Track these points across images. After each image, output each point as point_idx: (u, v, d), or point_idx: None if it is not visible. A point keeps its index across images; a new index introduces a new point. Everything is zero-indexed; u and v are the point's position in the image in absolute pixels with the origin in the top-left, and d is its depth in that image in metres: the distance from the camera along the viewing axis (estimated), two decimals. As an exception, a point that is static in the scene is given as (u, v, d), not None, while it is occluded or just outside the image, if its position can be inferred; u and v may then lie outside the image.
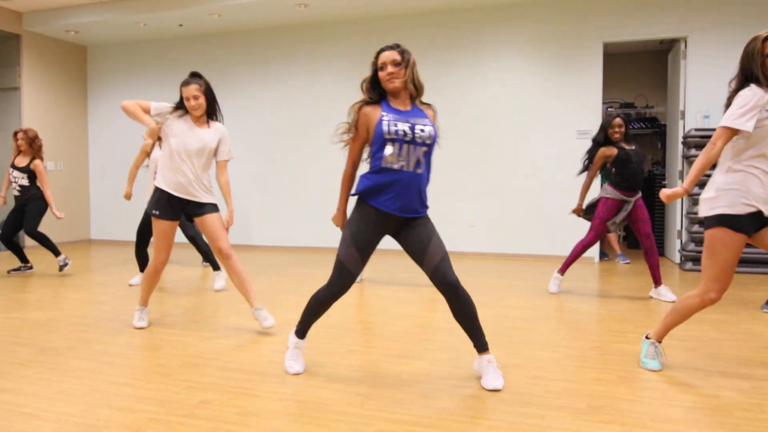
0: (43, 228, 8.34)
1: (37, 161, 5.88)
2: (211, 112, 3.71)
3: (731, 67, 6.40)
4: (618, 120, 4.67)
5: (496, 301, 4.64)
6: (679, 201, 6.70)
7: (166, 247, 3.68)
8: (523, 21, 7.11)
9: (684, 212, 6.59)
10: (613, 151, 4.66)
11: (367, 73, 2.73)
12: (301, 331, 2.94)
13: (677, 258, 6.68)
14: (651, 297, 4.74)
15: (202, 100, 3.57)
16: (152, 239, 3.87)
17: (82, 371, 2.95)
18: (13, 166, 5.91)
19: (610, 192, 4.66)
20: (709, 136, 6.17)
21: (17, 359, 3.14)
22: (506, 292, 4.97)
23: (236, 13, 7.50)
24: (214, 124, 3.73)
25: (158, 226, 3.64)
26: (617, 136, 4.66)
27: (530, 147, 7.14)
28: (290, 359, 2.94)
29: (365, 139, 2.74)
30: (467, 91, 7.31)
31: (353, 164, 2.81)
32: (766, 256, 5.92)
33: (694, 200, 6.22)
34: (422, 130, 2.62)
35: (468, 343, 3.38)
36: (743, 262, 6.03)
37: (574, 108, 6.93)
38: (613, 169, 4.72)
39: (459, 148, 7.40)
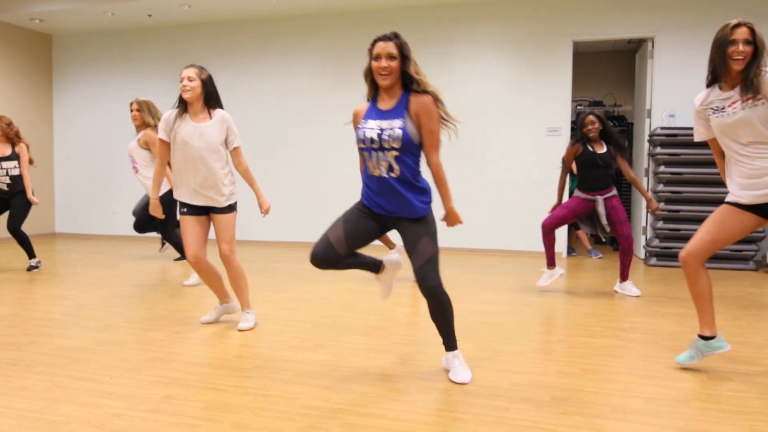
0: (6, 221, 8.14)
1: (22, 144, 5.74)
2: (211, 103, 3.54)
3: (697, 67, 6.54)
4: (590, 117, 4.69)
5: (465, 295, 4.67)
6: (643, 199, 6.81)
7: (195, 240, 3.57)
8: (494, 18, 7.16)
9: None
10: (579, 149, 4.72)
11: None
12: None
13: (642, 254, 6.82)
14: (616, 291, 4.83)
15: (196, 84, 3.44)
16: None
17: (43, 366, 2.89)
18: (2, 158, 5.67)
19: (577, 192, 4.77)
20: (674, 135, 6.31)
21: (-24, 355, 3.07)
22: (475, 287, 5.01)
23: (207, 4, 7.40)
24: (216, 113, 3.53)
25: (186, 222, 3.57)
26: (593, 134, 4.68)
27: (500, 144, 7.21)
28: None
29: None
30: (438, 87, 7.32)
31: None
32: (731, 253, 6.08)
33: (659, 197, 6.35)
34: (389, 136, 2.57)
35: (436, 338, 3.41)
36: (713, 258, 6.17)
37: (544, 105, 7.01)
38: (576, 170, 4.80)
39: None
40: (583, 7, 6.87)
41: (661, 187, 6.35)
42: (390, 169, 2.61)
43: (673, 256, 6.30)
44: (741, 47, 2.56)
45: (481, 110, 7.23)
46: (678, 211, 6.26)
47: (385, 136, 2.57)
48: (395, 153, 2.59)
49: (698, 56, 6.52)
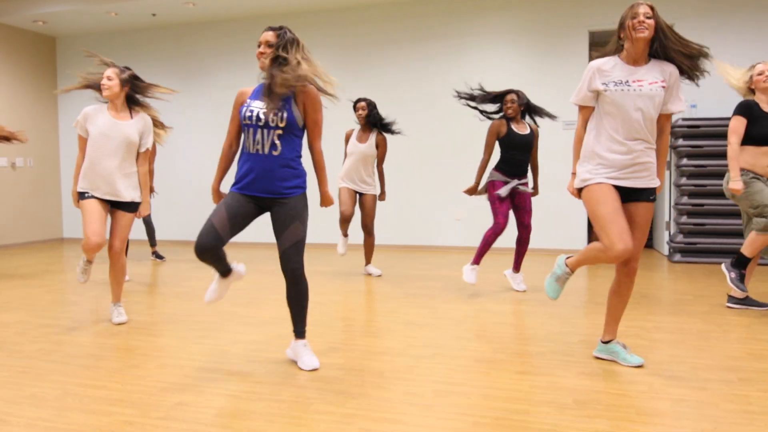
0: (13, 226, 8.26)
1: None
2: (133, 102, 3.89)
3: (720, 54, 6.46)
4: (511, 96, 4.66)
5: (482, 295, 4.66)
6: (667, 192, 6.77)
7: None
8: (507, 10, 7.13)
9: (672, 203, 6.66)
10: (504, 129, 4.65)
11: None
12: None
13: (666, 250, 6.76)
14: (505, 275, 5.02)
15: (114, 83, 3.76)
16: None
17: (53, 374, 2.92)
18: None
19: (494, 174, 4.72)
20: (697, 126, 6.25)
21: (-15, 363, 3.11)
22: (492, 287, 4.99)
23: (212, 2, 7.44)
24: (137, 114, 3.88)
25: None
26: (510, 111, 4.65)
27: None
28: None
29: (238, 120, 3.00)
30: (449, 83, 7.32)
31: (228, 143, 3.07)
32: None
33: (682, 191, 6.30)
34: (275, 114, 2.80)
35: (452, 340, 3.40)
36: (732, 253, 6.12)
37: (559, 98, 6.96)
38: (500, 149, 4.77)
39: (440, 141, 7.41)
40: (600, -5, 6.82)
41: (684, 180, 6.29)
42: (273, 146, 2.84)
43: (698, 252, 6.25)
44: (642, 18, 2.72)
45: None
46: (702, 205, 6.20)
47: (270, 116, 2.81)
48: (279, 132, 2.83)
49: (719, 43, 6.45)
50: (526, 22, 7.08)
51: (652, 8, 2.79)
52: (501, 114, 4.76)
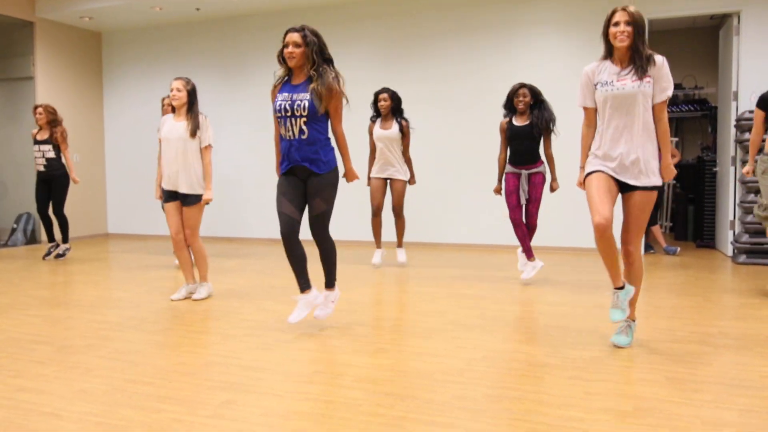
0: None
1: (59, 128, 6.55)
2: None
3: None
4: (523, 90, 4.97)
5: (531, 295, 4.61)
6: (731, 188, 6.56)
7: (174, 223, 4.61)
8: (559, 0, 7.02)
9: (737, 201, 6.45)
10: (506, 122, 5.06)
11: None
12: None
13: (729, 250, 6.55)
14: (521, 271, 5.19)
15: (182, 93, 4.42)
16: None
17: (101, 370, 3.02)
18: (36, 142, 6.54)
19: (507, 168, 5.13)
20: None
21: (36, 357, 3.23)
22: (543, 287, 4.93)
23: (255, -5, 7.55)
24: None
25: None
26: (521, 106, 4.96)
27: (567, 133, 7.05)
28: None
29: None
30: (497, 76, 7.24)
31: (276, 133, 3.67)
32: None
33: (749, 188, 6.10)
34: (299, 105, 3.40)
35: (503, 343, 3.38)
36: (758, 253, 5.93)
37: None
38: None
39: (486, 134, 7.35)
40: (659, -19, 6.65)
41: (750, 177, 6.08)
42: (301, 131, 3.44)
43: (765, 253, 6.03)
44: (622, 27, 3.08)
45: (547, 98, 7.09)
46: (770, 203, 5.97)
47: (296, 106, 3.41)
48: (304, 119, 3.41)
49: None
50: (579, 10, 6.95)
51: (630, 13, 3.12)
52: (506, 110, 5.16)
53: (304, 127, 3.43)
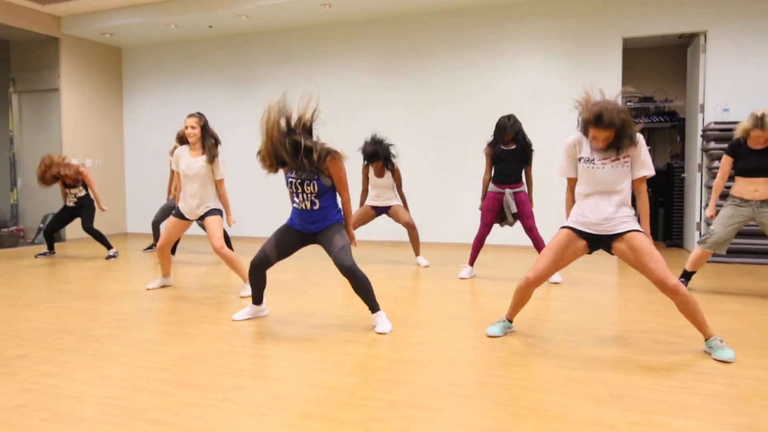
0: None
1: (82, 169, 6.51)
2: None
3: (751, 59, 6.28)
4: (511, 123, 5.03)
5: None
6: (697, 193, 6.59)
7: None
8: (542, 17, 7.04)
9: (703, 204, 6.48)
10: (491, 149, 5.09)
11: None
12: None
13: (696, 250, 6.57)
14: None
15: (197, 130, 4.44)
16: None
17: (122, 357, 3.02)
18: (67, 186, 6.55)
19: (490, 187, 5.14)
20: (729, 129, 6.07)
21: (62, 346, 3.23)
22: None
23: (263, 14, 7.55)
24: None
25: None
26: (508, 137, 5.03)
27: (548, 142, 7.08)
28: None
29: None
30: (487, 88, 7.27)
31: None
32: (754, 247, 5.81)
33: (714, 193, 6.12)
34: (308, 184, 3.40)
35: (493, 335, 3.39)
36: (736, 252, 5.93)
37: (593, 102, 6.84)
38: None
39: (475, 138, 7.37)
40: (633, 3, 6.68)
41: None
42: (313, 204, 3.45)
43: (732, 252, 6.06)
44: (601, 143, 2.98)
45: (530, 110, 7.12)
46: (733, 206, 6.00)
47: (305, 186, 3.42)
48: (314, 195, 3.42)
49: (752, 49, 6.26)
50: (561, 29, 6.98)
51: (611, 129, 2.92)
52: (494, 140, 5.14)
53: (315, 200, 3.46)
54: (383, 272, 5.59)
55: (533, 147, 5.16)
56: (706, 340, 3.01)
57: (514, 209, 5.02)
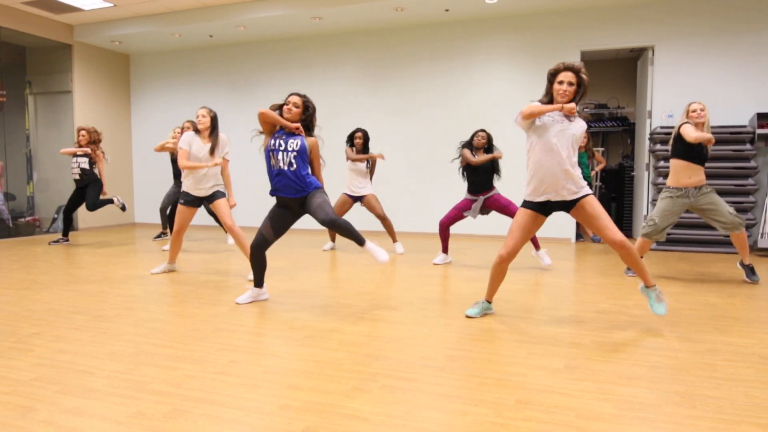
0: (97, 213, 8.47)
1: (99, 152, 6.45)
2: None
3: (693, 72, 6.35)
4: (482, 132, 5.05)
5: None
6: (645, 189, 6.67)
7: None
8: (510, 32, 7.05)
9: (650, 199, 6.56)
10: (468, 156, 4.96)
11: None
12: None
13: (643, 239, 6.65)
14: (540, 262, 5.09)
15: (207, 119, 4.43)
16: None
17: (128, 335, 2.98)
18: (75, 155, 6.36)
19: (466, 194, 5.09)
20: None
21: (74, 325, 3.18)
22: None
23: (260, 25, 7.46)
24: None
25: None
26: (483, 141, 5.01)
27: (515, 146, 7.11)
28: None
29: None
30: (461, 96, 7.26)
31: None
32: (724, 238, 5.90)
33: (658, 188, 6.20)
34: (293, 140, 3.42)
35: (461, 313, 3.40)
36: (703, 242, 6.02)
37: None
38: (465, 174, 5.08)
39: (449, 138, 7.37)
40: (589, 21, 6.71)
41: (660, 179, 6.19)
42: (290, 164, 3.40)
43: (671, 241, 6.15)
44: (565, 87, 2.91)
45: (497, 113, 7.14)
46: (676, 201, 6.07)
47: (290, 141, 3.42)
48: (294, 153, 3.40)
49: (693, 62, 6.33)
50: (526, 42, 6.99)
51: (577, 73, 2.93)
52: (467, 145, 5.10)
53: (293, 161, 3.45)
54: (363, 259, 5.58)
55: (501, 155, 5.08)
56: (647, 287, 3.13)
57: (478, 207, 4.99)
